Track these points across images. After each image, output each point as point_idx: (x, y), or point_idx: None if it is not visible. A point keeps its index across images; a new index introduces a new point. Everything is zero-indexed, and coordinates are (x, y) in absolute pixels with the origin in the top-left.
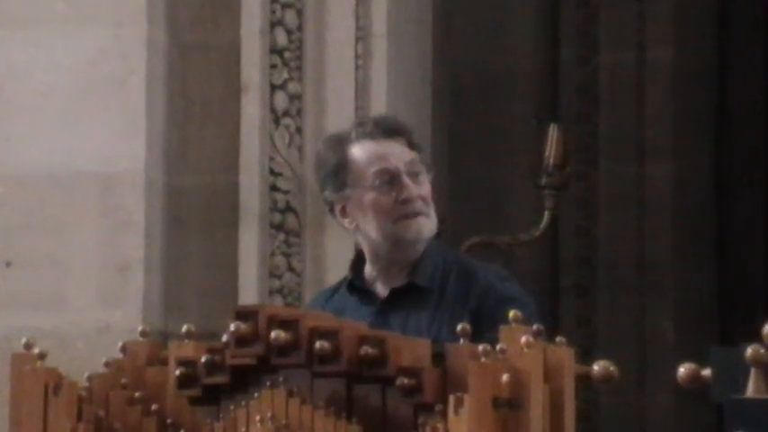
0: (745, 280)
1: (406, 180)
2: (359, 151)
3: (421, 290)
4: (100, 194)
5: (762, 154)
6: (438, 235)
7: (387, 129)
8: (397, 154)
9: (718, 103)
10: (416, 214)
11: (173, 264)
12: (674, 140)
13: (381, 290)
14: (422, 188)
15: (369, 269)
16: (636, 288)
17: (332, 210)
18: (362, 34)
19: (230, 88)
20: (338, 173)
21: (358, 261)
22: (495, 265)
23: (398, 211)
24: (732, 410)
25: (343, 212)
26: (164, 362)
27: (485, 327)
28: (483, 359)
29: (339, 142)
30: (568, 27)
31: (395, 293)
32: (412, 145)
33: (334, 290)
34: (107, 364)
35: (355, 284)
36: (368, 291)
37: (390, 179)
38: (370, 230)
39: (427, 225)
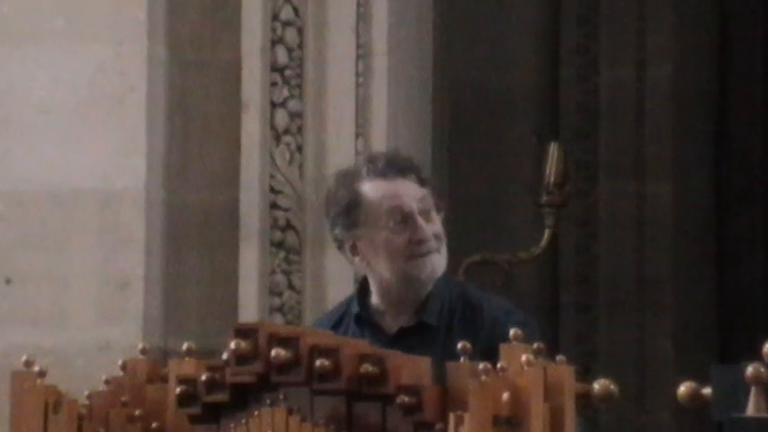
0: (745, 298)
1: (419, 220)
2: (371, 190)
3: (430, 328)
4: (100, 211)
5: (761, 172)
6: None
7: (398, 166)
8: (410, 193)
9: (717, 120)
10: (429, 252)
11: (173, 281)
12: (673, 158)
13: (389, 323)
14: (434, 225)
15: (376, 300)
16: (636, 306)
17: (341, 247)
18: (363, 52)
19: (231, 106)
20: (349, 212)
21: (362, 291)
22: (498, 297)
23: (411, 251)
24: (732, 429)
25: (354, 251)
26: (164, 379)
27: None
28: (483, 377)
29: (350, 179)
30: (568, 45)
31: (404, 332)
32: (422, 181)
33: (340, 315)
34: (107, 382)
35: (362, 318)
36: (375, 324)
37: (403, 219)
38: (381, 269)
39: (439, 262)
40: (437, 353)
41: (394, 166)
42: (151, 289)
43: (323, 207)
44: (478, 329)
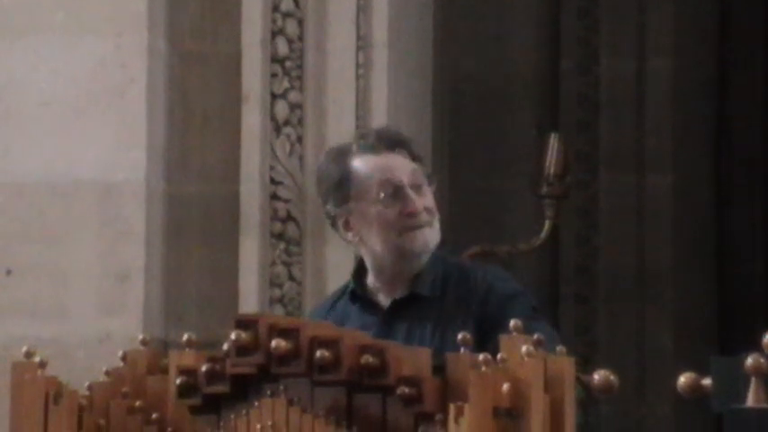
0: (746, 289)
1: (410, 193)
2: (361, 164)
3: (423, 299)
4: (100, 203)
5: (762, 164)
6: (443, 241)
7: (389, 141)
8: (400, 166)
9: (718, 112)
10: (421, 226)
11: (173, 273)
12: (674, 150)
13: (384, 300)
14: (425, 199)
15: (371, 279)
16: (636, 297)
17: (334, 224)
18: (363, 44)
19: (231, 97)
20: (341, 187)
21: (359, 270)
22: (492, 266)
23: (403, 224)
24: (732, 420)
25: (347, 226)
26: (164, 371)
27: (490, 329)
28: (483, 369)
29: (341, 155)
30: (569, 37)
31: (397, 304)
32: (413, 156)
33: (335, 299)
34: (107, 373)
35: (357, 294)
36: (370, 300)
37: (394, 192)
38: (374, 243)
39: (432, 236)
40: (431, 323)
41: (384, 140)
42: (151, 280)
43: (315, 184)
44: (472, 298)
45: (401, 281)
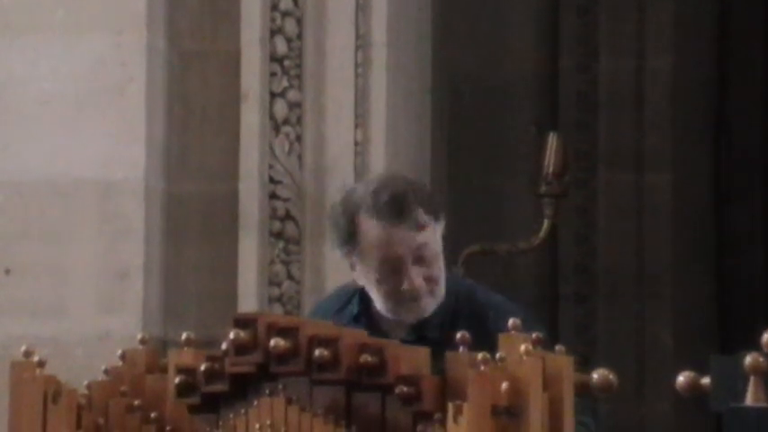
0: (745, 288)
1: (410, 270)
2: (367, 230)
3: (430, 341)
4: (99, 202)
5: (761, 163)
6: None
7: (398, 208)
8: (404, 241)
9: (717, 111)
10: (417, 299)
11: (172, 271)
12: (673, 148)
13: (389, 328)
14: (429, 269)
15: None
16: (635, 296)
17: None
18: (362, 43)
19: (230, 96)
20: (348, 240)
21: (365, 293)
22: (508, 303)
23: (399, 297)
24: (731, 419)
25: (353, 268)
26: (163, 370)
27: None
28: (482, 367)
29: (352, 208)
30: (568, 35)
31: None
32: (422, 226)
33: (343, 305)
34: (106, 372)
35: (360, 320)
36: (375, 326)
37: (393, 268)
38: (374, 299)
39: (430, 304)
40: (440, 364)
41: (394, 206)
42: (150, 279)
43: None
44: (484, 339)
45: (406, 324)
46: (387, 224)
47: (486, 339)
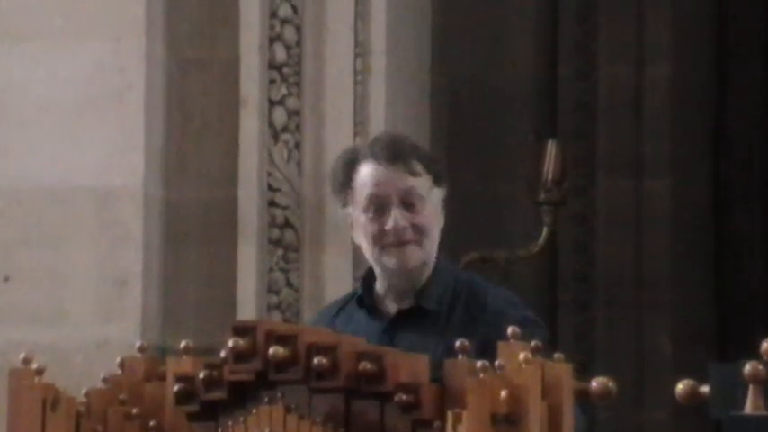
0: (744, 296)
1: (395, 209)
2: (361, 172)
3: (428, 313)
4: (98, 209)
5: (760, 168)
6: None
7: (393, 152)
8: (394, 181)
9: (716, 118)
10: (401, 244)
11: (171, 279)
12: (672, 155)
13: (390, 307)
14: (418, 217)
15: (379, 286)
16: (634, 304)
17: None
18: (361, 50)
19: (229, 103)
20: (342, 191)
21: (369, 276)
22: (505, 289)
23: (383, 240)
24: (730, 427)
25: (351, 228)
26: (162, 377)
27: (494, 353)
28: (481, 375)
29: (350, 158)
30: (567, 42)
31: (402, 314)
32: (414, 172)
33: (342, 305)
34: (105, 380)
35: (364, 300)
36: (377, 307)
37: (379, 207)
38: (365, 252)
39: (416, 254)
40: (435, 338)
41: (389, 150)
42: (149, 286)
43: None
44: (479, 319)
45: (406, 291)
46: (381, 164)
47: (483, 321)
